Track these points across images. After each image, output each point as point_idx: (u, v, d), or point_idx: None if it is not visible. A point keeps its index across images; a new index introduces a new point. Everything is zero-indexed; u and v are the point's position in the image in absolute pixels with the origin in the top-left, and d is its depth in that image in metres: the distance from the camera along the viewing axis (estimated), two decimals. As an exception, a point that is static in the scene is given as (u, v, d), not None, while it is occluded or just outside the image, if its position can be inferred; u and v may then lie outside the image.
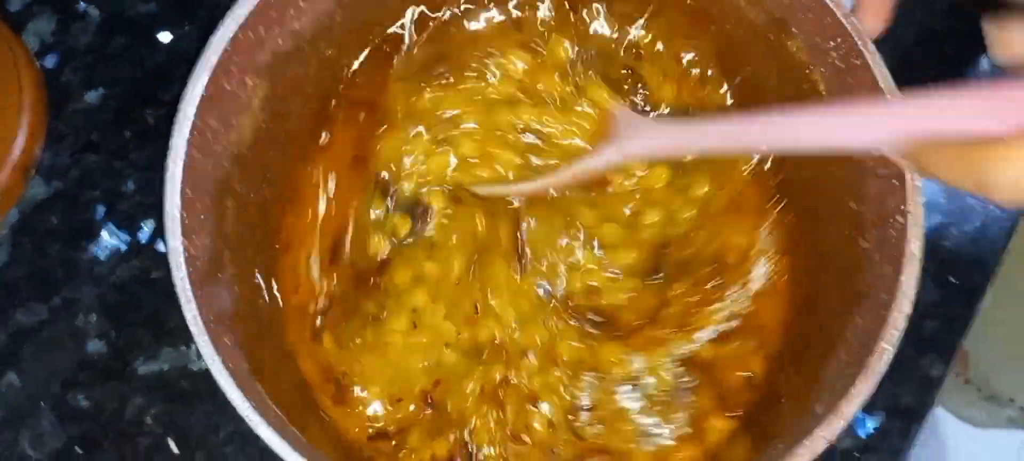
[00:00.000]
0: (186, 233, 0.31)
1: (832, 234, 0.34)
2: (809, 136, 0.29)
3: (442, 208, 0.38)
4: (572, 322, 0.37)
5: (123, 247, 0.42)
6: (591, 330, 0.37)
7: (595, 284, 0.38)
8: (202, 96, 0.32)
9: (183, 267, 0.30)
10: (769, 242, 0.37)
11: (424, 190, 0.38)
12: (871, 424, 0.39)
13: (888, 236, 0.30)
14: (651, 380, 0.36)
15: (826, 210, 0.35)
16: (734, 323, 0.36)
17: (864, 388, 0.28)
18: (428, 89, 0.39)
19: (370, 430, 0.36)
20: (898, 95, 0.31)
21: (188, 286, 0.30)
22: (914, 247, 0.29)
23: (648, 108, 0.39)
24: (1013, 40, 0.27)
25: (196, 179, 0.32)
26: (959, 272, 0.41)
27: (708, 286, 0.37)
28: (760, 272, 0.37)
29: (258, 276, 0.35)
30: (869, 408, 0.39)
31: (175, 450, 0.39)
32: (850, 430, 0.39)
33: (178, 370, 0.40)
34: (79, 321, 0.41)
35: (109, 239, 0.43)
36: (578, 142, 0.38)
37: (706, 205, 0.38)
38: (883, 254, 0.30)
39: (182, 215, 0.31)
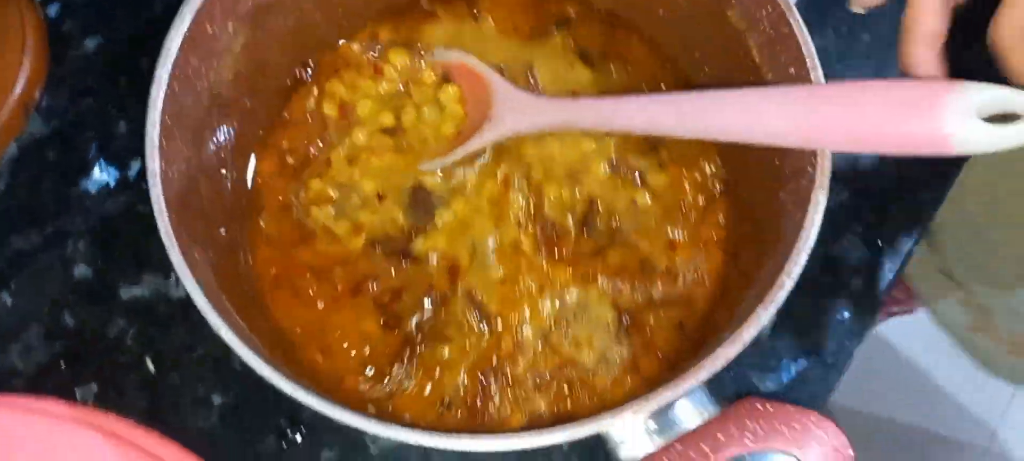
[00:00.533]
0: (164, 156, 0.34)
1: (758, 188, 0.37)
2: (672, 123, 0.33)
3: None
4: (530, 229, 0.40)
5: (112, 183, 0.46)
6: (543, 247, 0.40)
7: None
8: (185, 35, 0.35)
9: (159, 185, 0.33)
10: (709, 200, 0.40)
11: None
12: (794, 368, 0.42)
13: (800, 186, 0.33)
14: (596, 311, 0.39)
15: (755, 166, 0.38)
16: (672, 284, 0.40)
17: (764, 315, 0.31)
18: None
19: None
20: (817, 66, 0.34)
21: (163, 203, 0.33)
22: (820, 195, 0.32)
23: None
24: None
25: (176, 110, 0.35)
26: (886, 236, 0.44)
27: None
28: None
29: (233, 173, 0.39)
30: (793, 355, 0.42)
31: (152, 368, 0.42)
32: (775, 374, 0.42)
33: (158, 296, 0.43)
34: (69, 249, 0.44)
35: (100, 175, 0.46)
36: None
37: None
38: (795, 203, 0.33)
39: (161, 141, 0.34)
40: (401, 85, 0.42)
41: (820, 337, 0.43)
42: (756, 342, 0.42)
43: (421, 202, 0.41)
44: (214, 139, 0.38)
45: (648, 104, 0.35)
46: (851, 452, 0.31)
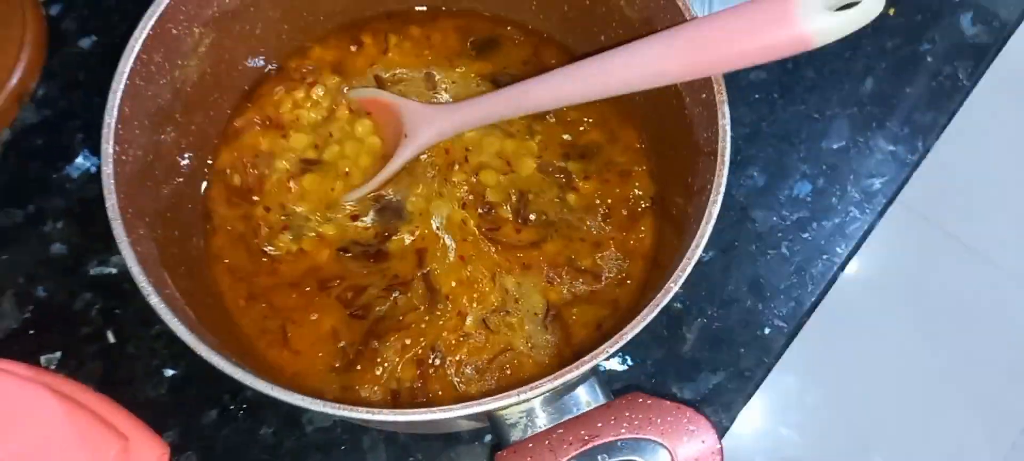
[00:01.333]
0: (119, 141, 0.37)
1: (680, 193, 0.40)
2: (577, 90, 0.36)
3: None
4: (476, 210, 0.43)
5: (94, 169, 0.49)
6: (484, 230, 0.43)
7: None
8: (148, 34, 0.38)
9: (111, 165, 0.36)
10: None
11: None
12: (712, 380, 0.44)
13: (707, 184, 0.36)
14: (530, 299, 0.42)
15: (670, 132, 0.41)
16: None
17: (650, 312, 0.33)
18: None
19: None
20: (689, 7, 0.37)
21: (112, 181, 0.36)
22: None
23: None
24: None
25: (136, 100, 0.38)
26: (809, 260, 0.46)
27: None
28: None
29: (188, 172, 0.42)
30: (713, 367, 0.44)
31: (111, 339, 0.46)
32: (693, 384, 0.44)
33: (124, 275, 0.47)
34: (47, 226, 0.48)
35: (82, 162, 0.50)
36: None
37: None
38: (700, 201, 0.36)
39: (117, 126, 0.37)
40: (325, 114, 0.46)
41: (739, 353, 0.45)
42: (679, 354, 0.44)
43: (387, 209, 0.44)
44: (172, 132, 0.41)
45: (551, 79, 0.39)
46: (719, 447, 0.32)
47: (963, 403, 1.18)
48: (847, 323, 1.15)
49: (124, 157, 0.38)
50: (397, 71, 0.47)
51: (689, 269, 0.34)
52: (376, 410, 0.33)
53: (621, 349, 0.44)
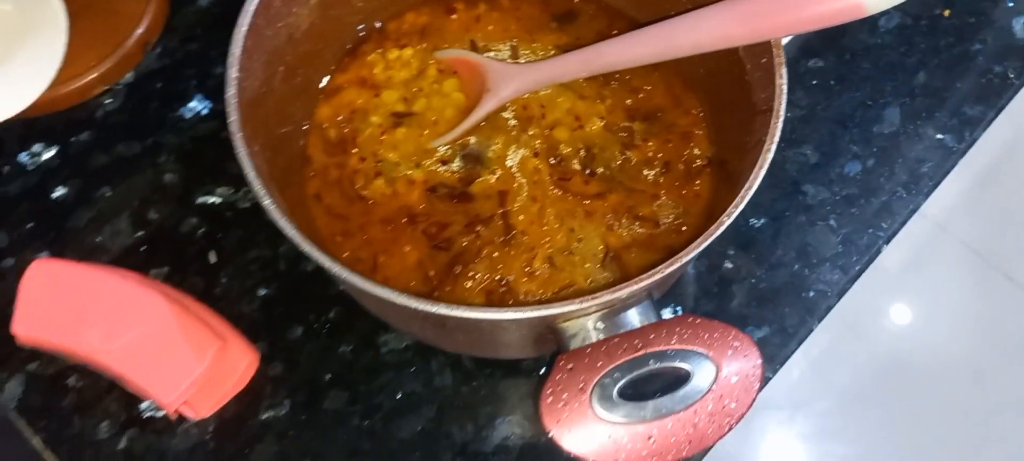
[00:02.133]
0: (241, 68, 0.42)
1: (737, 152, 0.43)
2: (647, 51, 0.40)
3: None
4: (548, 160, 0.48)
5: (205, 112, 0.55)
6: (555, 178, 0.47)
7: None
8: (271, -20, 0.44)
9: (234, 87, 0.41)
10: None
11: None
12: (757, 334, 0.47)
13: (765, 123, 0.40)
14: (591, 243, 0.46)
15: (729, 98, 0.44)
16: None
17: (703, 241, 0.37)
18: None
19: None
20: None
21: (234, 100, 0.41)
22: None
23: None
24: None
25: (256, 39, 0.43)
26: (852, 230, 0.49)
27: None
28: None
29: (293, 118, 0.47)
30: (758, 323, 0.47)
31: (212, 260, 0.51)
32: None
33: (227, 204, 0.52)
34: (161, 158, 0.54)
35: (195, 104, 0.55)
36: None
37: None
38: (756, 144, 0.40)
39: (241, 54, 0.42)
40: (414, 73, 0.50)
41: (784, 311, 0.48)
42: (727, 309, 0.48)
43: (470, 156, 0.49)
44: (284, 70, 0.47)
45: (623, 41, 0.43)
46: (760, 363, 0.36)
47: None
48: (908, 375, 1.18)
49: (243, 84, 0.43)
50: (485, 43, 0.51)
51: (744, 203, 0.37)
52: (456, 306, 0.37)
53: (672, 301, 0.48)
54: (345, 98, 0.50)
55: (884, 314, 1.30)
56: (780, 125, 0.39)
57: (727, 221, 0.37)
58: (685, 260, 0.37)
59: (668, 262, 0.37)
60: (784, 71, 0.40)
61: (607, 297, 0.36)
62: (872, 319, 1.29)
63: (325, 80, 0.50)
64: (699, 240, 0.37)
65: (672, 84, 0.49)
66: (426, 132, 0.49)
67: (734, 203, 0.38)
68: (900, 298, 1.32)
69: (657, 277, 0.36)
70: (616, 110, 0.49)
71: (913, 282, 1.33)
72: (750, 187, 0.38)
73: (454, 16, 0.52)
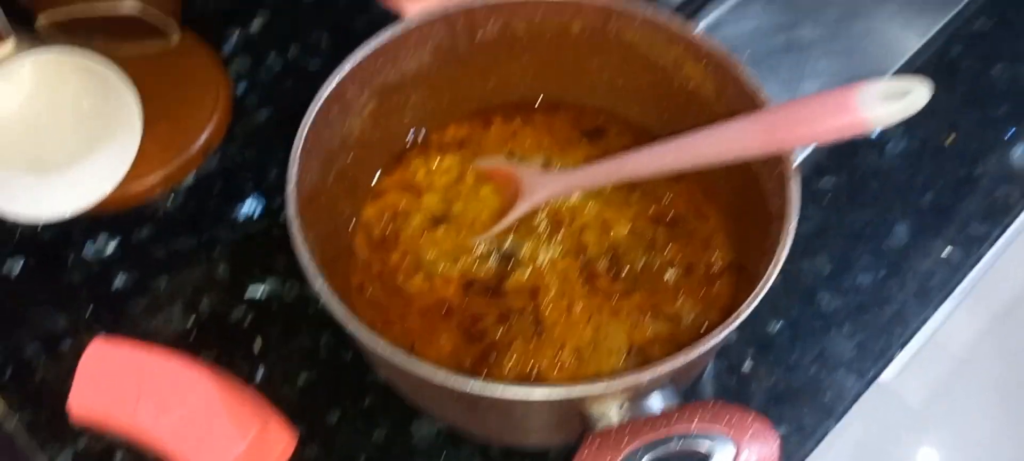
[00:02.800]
0: (300, 166, 0.47)
1: (758, 258, 0.47)
2: (670, 161, 0.44)
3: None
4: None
5: (259, 211, 0.59)
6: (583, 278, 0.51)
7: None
8: (330, 92, 0.49)
9: (293, 181, 0.46)
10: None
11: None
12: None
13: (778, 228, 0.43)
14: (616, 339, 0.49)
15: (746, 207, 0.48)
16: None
17: (719, 334, 0.39)
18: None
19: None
20: (766, 96, 0.45)
21: (293, 195, 0.45)
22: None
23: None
24: None
25: (315, 141, 0.48)
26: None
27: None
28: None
29: (342, 215, 0.51)
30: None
31: (257, 347, 0.54)
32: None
33: (273, 296, 0.56)
34: (215, 252, 0.58)
35: (250, 204, 0.60)
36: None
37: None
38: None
39: (301, 157, 0.47)
40: (454, 179, 0.55)
41: (802, 411, 0.50)
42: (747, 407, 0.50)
43: (504, 255, 0.52)
44: (337, 171, 0.51)
45: (647, 152, 0.47)
46: (778, 444, 0.38)
47: None
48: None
49: (301, 180, 0.47)
50: (521, 155, 0.56)
51: (753, 305, 0.40)
52: (490, 384, 0.39)
53: (694, 398, 0.50)
54: (390, 199, 0.54)
55: (912, 458, 1.30)
56: (792, 230, 0.42)
57: (743, 314, 0.40)
58: (704, 349, 0.39)
59: (688, 349, 0.39)
60: (796, 181, 0.43)
61: (632, 379, 0.39)
62: (900, 462, 1.28)
63: (373, 182, 0.55)
64: (717, 330, 0.40)
65: (694, 194, 0.53)
66: (463, 232, 0.53)
67: (749, 299, 0.41)
68: (927, 440, 1.32)
69: (679, 363, 0.39)
70: (641, 217, 0.52)
71: (939, 422, 1.33)
72: (765, 284, 0.41)
73: (492, 129, 0.57)
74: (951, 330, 1.32)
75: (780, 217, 0.44)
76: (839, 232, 0.56)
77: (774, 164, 0.45)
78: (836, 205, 0.57)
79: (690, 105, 0.51)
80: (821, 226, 0.56)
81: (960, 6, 0.65)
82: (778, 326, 0.53)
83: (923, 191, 0.57)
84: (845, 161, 0.59)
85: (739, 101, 0.47)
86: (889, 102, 0.40)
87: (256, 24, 0.69)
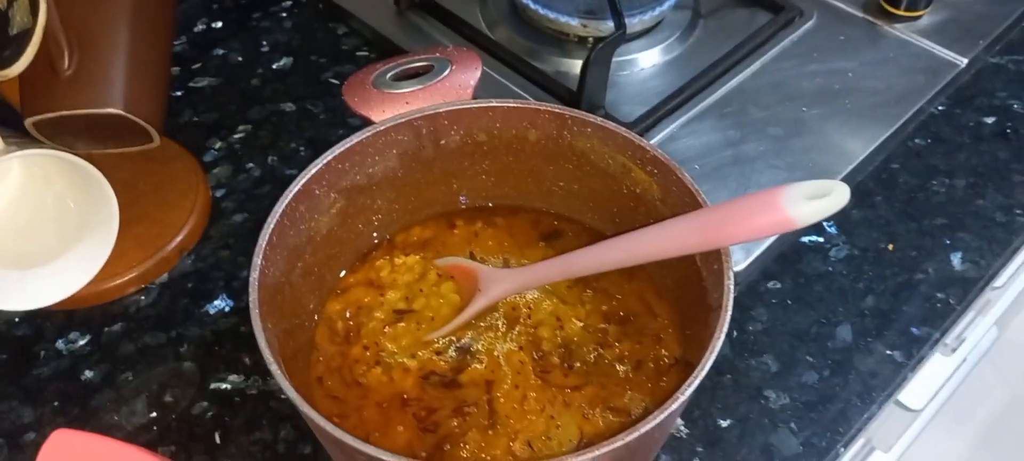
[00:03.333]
0: (265, 258, 0.49)
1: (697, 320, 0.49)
2: (618, 257, 0.47)
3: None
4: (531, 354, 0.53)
5: (228, 309, 0.61)
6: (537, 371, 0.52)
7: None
8: (298, 190, 0.52)
9: (257, 272, 0.48)
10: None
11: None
12: None
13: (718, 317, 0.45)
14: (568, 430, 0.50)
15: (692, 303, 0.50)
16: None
17: (657, 417, 0.41)
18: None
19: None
20: (704, 198, 0.48)
21: (256, 285, 0.47)
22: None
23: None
24: None
25: (281, 235, 0.51)
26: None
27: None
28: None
29: (306, 310, 0.53)
30: None
31: (218, 441, 0.55)
32: None
33: (236, 390, 0.57)
34: (183, 348, 0.59)
35: (220, 302, 0.62)
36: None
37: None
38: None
39: (266, 246, 0.49)
40: (416, 276, 0.57)
41: None
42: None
43: (461, 349, 0.54)
44: (303, 267, 0.53)
45: (595, 249, 0.50)
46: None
47: None
48: None
49: (265, 272, 0.49)
50: (482, 255, 0.58)
51: (691, 388, 0.42)
52: (435, 464, 0.40)
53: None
54: (354, 296, 0.56)
55: None
56: (728, 318, 0.44)
57: (681, 398, 0.42)
58: (641, 431, 0.41)
59: (626, 433, 0.41)
60: (731, 274, 0.46)
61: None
62: None
63: (338, 278, 0.57)
64: (654, 414, 0.41)
65: (644, 292, 0.55)
66: (423, 327, 0.55)
67: (685, 383, 0.42)
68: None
69: (618, 444, 0.40)
70: (594, 314, 0.55)
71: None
72: (701, 370, 0.43)
73: (455, 231, 0.59)
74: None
75: (718, 308, 0.46)
76: (785, 332, 0.58)
77: (713, 259, 0.47)
78: (782, 306, 0.59)
79: (639, 208, 0.54)
80: (768, 327, 0.58)
81: (898, 124, 0.69)
82: (727, 423, 0.54)
83: (865, 295, 0.60)
84: (790, 266, 0.61)
85: (682, 202, 0.51)
86: (813, 201, 0.43)
87: (238, 136, 0.73)
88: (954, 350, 0.92)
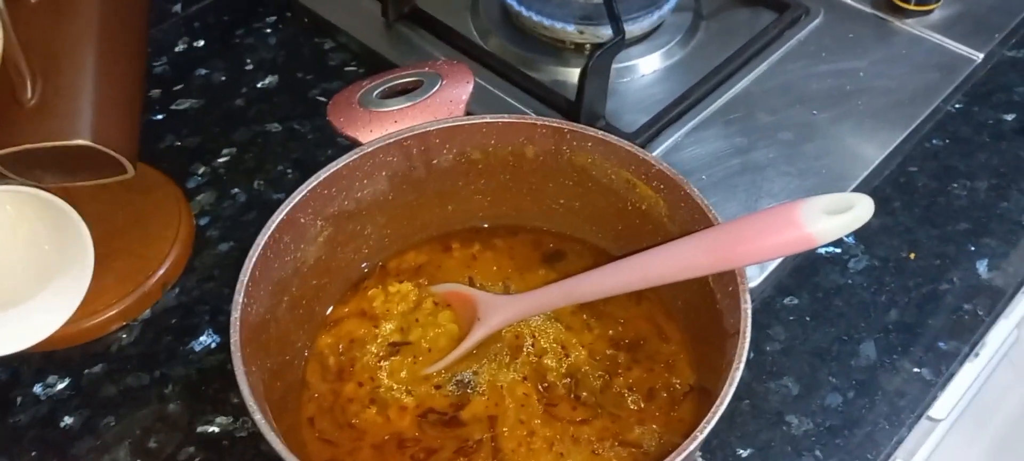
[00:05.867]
0: (247, 294, 0.46)
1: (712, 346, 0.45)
2: (623, 282, 0.44)
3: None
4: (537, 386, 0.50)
5: (214, 344, 0.58)
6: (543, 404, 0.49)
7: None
8: (282, 220, 0.48)
9: (239, 311, 0.45)
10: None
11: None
12: None
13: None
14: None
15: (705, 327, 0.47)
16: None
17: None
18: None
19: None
20: (715, 214, 0.45)
21: (238, 324, 0.44)
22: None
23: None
24: None
25: (264, 269, 0.47)
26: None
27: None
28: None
29: (294, 346, 0.50)
30: None
31: (205, 487, 0.52)
32: None
33: (224, 433, 0.54)
34: (168, 389, 0.56)
35: (205, 339, 0.58)
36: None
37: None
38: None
39: (248, 283, 0.46)
40: (412, 306, 0.54)
41: None
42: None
43: (461, 382, 0.51)
44: (290, 301, 0.50)
45: (601, 272, 0.46)
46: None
47: None
48: None
49: (248, 309, 0.46)
50: (481, 280, 0.55)
51: (710, 425, 0.39)
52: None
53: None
54: (345, 328, 0.53)
55: None
56: (747, 346, 0.41)
57: (700, 436, 0.39)
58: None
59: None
60: (748, 296, 0.43)
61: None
62: None
63: (328, 311, 0.54)
64: (673, 455, 0.38)
65: (654, 315, 0.52)
66: (421, 360, 0.51)
67: (705, 419, 0.39)
68: None
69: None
70: (601, 340, 0.51)
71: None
72: (721, 403, 0.39)
73: (452, 254, 0.56)
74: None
75: (735, 334, 0.43)
76: (804, 351, 0.55)
77: (727, 281, 0.44)
78: (801, 324, 0.56)
79: (645, 225, 0.51)
80: (786, 346, 0.55)
81: (914, 125, 0.66)
82: (747, 453, 0.51)
83: (888, 308, 0.56)
84: (807, 280, 0.58)
85: (691, 220, 0.47)
86: (833, 216, 0.40)
87: (222, 160, 0.70)
88: (977, 356, 0.88)
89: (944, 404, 0.82)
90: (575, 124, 0.50)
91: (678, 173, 0.48)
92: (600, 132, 0.50)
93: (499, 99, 0.69)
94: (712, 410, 0.39)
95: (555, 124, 0.51)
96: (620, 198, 0.52)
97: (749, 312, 0.42)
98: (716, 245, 0.43)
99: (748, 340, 0.41)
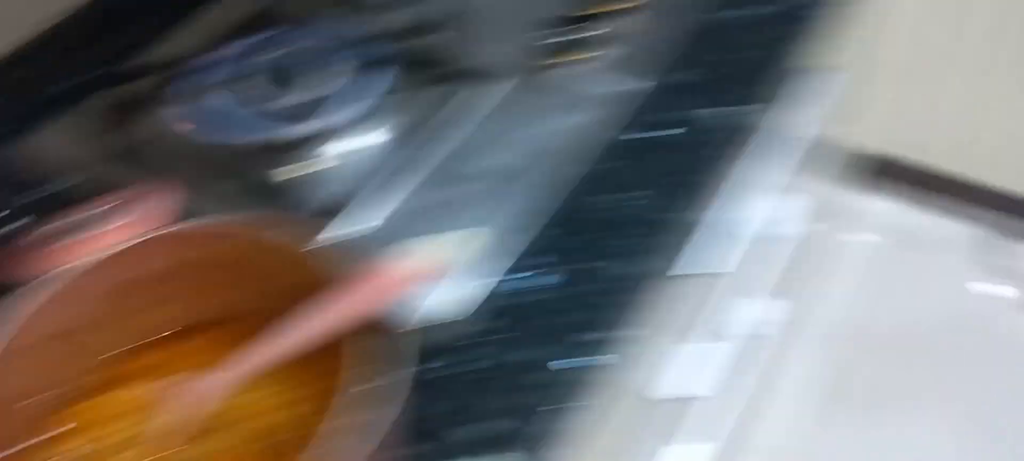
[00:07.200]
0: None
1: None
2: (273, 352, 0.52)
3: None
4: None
5: None
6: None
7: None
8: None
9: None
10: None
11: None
12: None
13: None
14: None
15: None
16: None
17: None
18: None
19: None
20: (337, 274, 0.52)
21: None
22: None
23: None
24: None
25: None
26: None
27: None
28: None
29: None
30: None
31: None
32: None
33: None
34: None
35: None
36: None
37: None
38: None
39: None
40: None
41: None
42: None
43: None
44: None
45: (263, 346, 0.54)
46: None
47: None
48: None
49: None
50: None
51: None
52: None
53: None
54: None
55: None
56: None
57: None
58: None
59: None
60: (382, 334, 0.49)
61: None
62: None
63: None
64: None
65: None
66: None
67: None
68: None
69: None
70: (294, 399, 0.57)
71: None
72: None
73: (178, 349, 0.61)
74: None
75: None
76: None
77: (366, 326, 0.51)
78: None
79: (296, 294, 0.55)
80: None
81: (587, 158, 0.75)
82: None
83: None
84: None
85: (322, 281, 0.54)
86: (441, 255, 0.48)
87: None
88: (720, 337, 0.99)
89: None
90: (264, 222, 0.56)
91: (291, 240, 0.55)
92: (282, 231, 0.56)
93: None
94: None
95: (241, 227, 0.57)
96: (309, 279, 0.56)
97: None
98: (345, 302, 0.51)
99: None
